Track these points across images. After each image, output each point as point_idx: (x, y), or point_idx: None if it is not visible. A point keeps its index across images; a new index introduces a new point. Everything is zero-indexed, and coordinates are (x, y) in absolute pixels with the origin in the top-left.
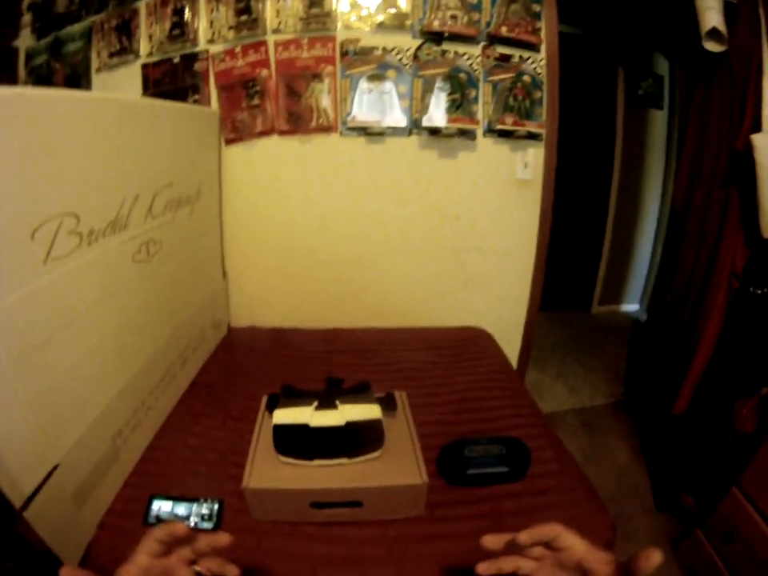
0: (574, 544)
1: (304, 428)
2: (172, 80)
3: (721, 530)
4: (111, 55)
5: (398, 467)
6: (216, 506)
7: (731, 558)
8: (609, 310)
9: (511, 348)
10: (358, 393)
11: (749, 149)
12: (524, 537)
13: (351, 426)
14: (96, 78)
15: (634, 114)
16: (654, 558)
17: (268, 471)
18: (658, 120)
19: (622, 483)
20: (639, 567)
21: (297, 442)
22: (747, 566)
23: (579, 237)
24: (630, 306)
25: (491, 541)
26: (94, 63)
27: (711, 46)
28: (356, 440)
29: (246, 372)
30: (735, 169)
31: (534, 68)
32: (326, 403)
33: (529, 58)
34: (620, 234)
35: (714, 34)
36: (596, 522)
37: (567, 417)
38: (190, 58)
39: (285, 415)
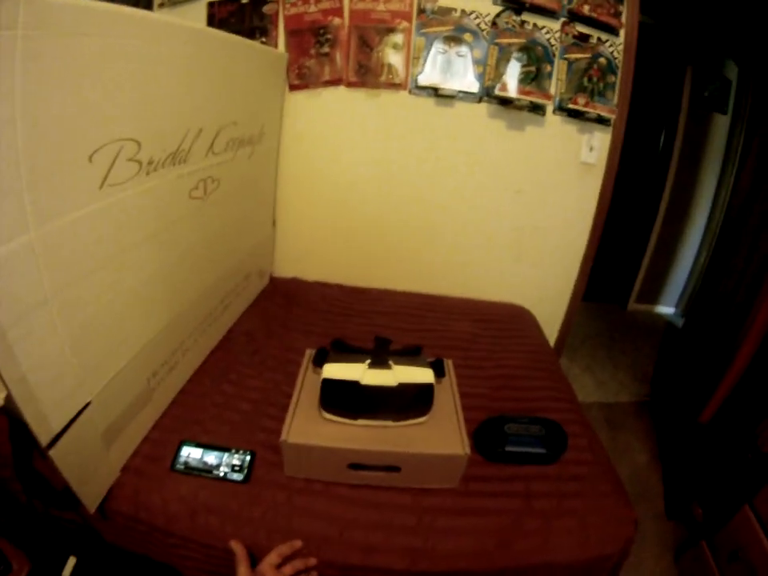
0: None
1: (354, 385)
2: (239, 20)
3: (727, 547)
4: None
5: (442, 436)
6: (248, 458)
7: None
8: (645, 309)
9: (549, 331)
10: (410, 355)
11: None
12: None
13: (403, 388)
14: (158, 12)
15: (697, 115)
16: None
17: (309, 427)
18: (721, 125)
19: (635, 484)
20: None
21: (344, 399)
22: None
23: (626, 231)
24: (666, 308)
25: None
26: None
27: None
28: (405, 403)
29: (286, 324)
30: None
31: (612, 51)
32: (380, 362)
33: (607, 41)
34: (666, 234)
35: None
36: (620, 517)
37: (592, 410)
38: (260, 0)
39: (336, 370)
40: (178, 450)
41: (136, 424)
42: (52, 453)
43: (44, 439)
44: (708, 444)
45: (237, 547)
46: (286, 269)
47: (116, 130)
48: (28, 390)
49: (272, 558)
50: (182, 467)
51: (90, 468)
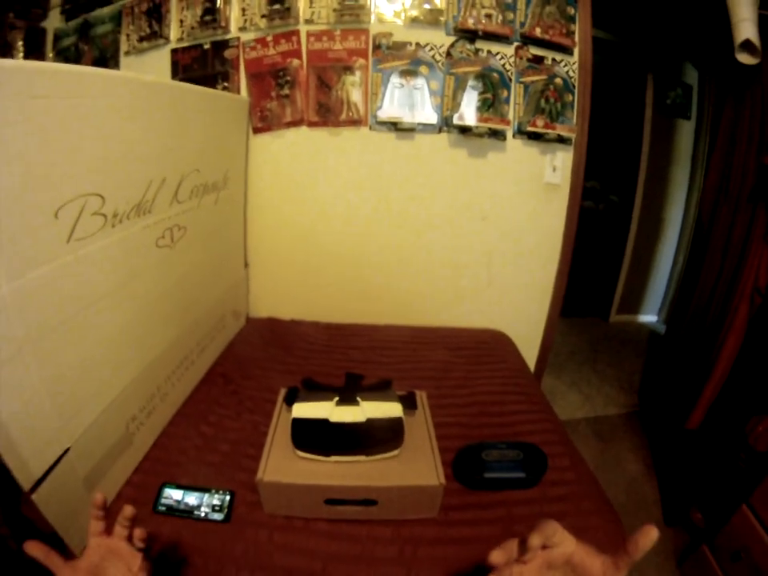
0: (565, 541)
1: (323, 423)
2: (201, 66)
3: (728, 548)
4: (141, 39)
5: (416, 468)
6: (227, 498)
7: None
8: (627, 320)
9: (529, 352)
10: (379, 390)
11: None
12: (536, 541)
13: (371, 424)
14: (124, 62)
15: (661, 123)
16: (651, 534)
17: (283, 465)
18: (685, 130)
19: (631, 495)
20: (638, 544)
21: (315, 437)
22: None
23: (601, 244)
24: (648, 317)
25: (499, 556)
26: (123, 47)
27: (744, 59)
28: (375, 438)
29: (263, 363)
30: (763, 184)
31: (567, 71)
32: (348, 399)
33: (561, 61)
34: (641, 243)
35: (747, 46)
36: (608, 533)
37: (580, 425)
38: (221, 45)
39: (305, 409)
40: (160, 491)
41: (118, 468)
42: (35, 497)
43: (26, 484)
44: (700, 448)
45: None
46: (262, 309)
47: (79, 185)
48: (8, 438)
49: (119, 530)
50: (164, 509)
51: (73, 511)
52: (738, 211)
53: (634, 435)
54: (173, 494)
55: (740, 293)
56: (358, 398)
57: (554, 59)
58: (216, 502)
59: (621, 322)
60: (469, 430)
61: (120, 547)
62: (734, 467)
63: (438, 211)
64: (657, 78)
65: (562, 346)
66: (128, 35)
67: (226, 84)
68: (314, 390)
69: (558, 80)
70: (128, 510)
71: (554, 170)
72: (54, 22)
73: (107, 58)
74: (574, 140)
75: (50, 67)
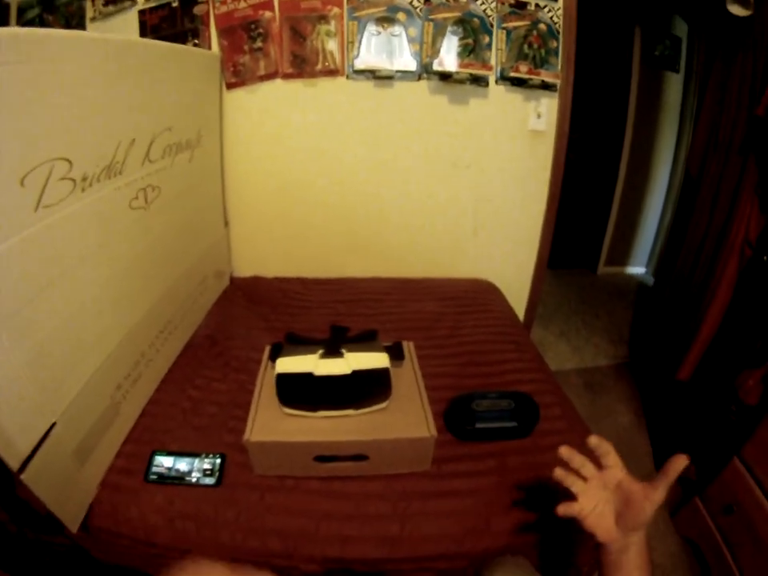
0: (617, 465)
1: (308, 377)
2: (171, 25)
3: (720, 501)
4: (107, 3)
5: (406, 420)
6: (218, 461)
7: (729, 529)
8: (615, 272)
9: (517, 303)
10: (365, 341)
11: None
12: (594, 440)
13: (358, 375)
14: (91, 28)
15: (649, 75)
16: (682, 460)
17: (271, 424)
18: (674, 83)
19: (622, 446)
20: (671, 467)
21: (301, 392)
22: (745, 539)
23: (588, 196)
24: (637, 269)
25: (566, 451)
26: (89, 12)
27: (736, 10)
28: (362, 390)
29: (248, 322)
30: (754, 135)
31: (551, 17)
32: (332, 351)
33: (545, 7)
34: (629, 195)
35: None
36: None
37: (570, 376)
38: (189, 2)
39: (288, 364)
40: (150, 460)
41: (107, 439)
42: (24, 476)
43: (14, 464)
44: (691, 400)
45: None
46: (245, 268)
47: (45, 150)
48: None
49: None
50: (156, 477)
51: (65, 487)
52: (727, 163)
53: (625, 386)
54: (164, 462)
55: (730, 245)
56: (343, 350)
57: (537, 4)
58: (207, 466)
59: (609, 274)
60: (459, 381)
61: None
62: (724, 420)
63: (420, 160)
64: (645, 29)
65: (549, 297)
66: (93, 1)
67: (196, 41)
68: (298, 344)
69: (541, 26)
70: None
71: (539, 116)
72: None
73: (73, 26)
74: (558, 86)
75: (8, 32)
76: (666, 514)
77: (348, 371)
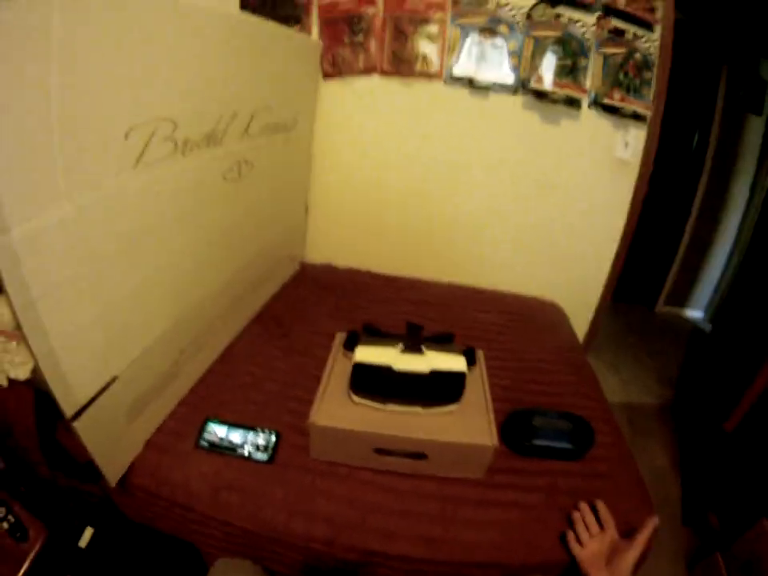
0: (613, 528)
1: (386, 370)
2: (272, 8)
3: (741, 558)
4: None
5: (471, 426)
6: (273, 438)
7: None
8: (672, 312)
9: (577, 328)
10: (443, 342)
11: None
12: (600, 506)
13: (435, 375)
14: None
15: (732, 116)
16: (652, 521)
17: (337, 410)
18: (756, 125)
19: (653, 488)
20: (644, 527)
21: (375, 383)
22: None
23: (656, 233)
24: (695, 313)
25: (584, 507)
26: None
27: None
28: (436, 390)
29: (315, 308)
30: None
31: (648, 47)
32: (413, 347)
33: (642, 37)
34: (698, 237)
35: None
36: (641, 519)
37: (614, 409)
38: None
39: (368, 354)
40: (203, 427)
41: (161, 400)
42: (76, 425)
43: (69, 411)
44: (730, 453)
45: None
46: (317, 255)
47: (153, 109)
48: (55, 362)
49: None
50: (206, 444)
51: (113, 441)
52: None
53: (665, 429)
54: (216, 430)
55: None
56: (423, 348)
57: (635, 34)
58: (261, 441)
59: (666, 314)
60: (516, 395)
61: None
62: (760, 477)
63: (504, 174)
64: (731, 69)
65: (605, 328)
66: None
67: (297, 28)
68: (377, 336)
69: (638, 55)
70: None
71: (626, 145)
72: None
73: None
74: (648, 118)
75: None
76: (683, 564)
77: (427, 370)
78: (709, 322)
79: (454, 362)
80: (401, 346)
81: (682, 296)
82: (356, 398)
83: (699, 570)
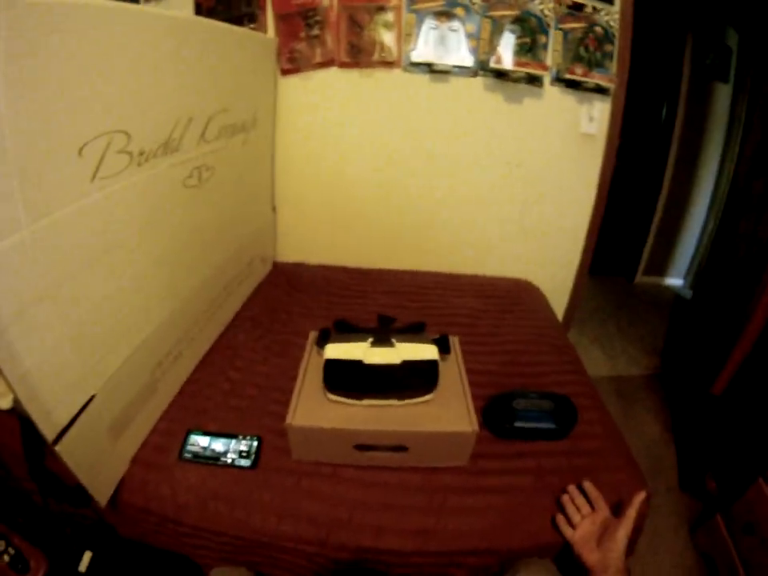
0: (604, 509)
1: (357, 364)
2: (226, 8)
3: (741, 520)
4: None
5: (448, 413)
6: (255, 443)
7: (747, 549)
8: (652, 282)
9: (557, 306)
10: (413, 333)
11: None
12: (588, 485)
13: (406, 366)
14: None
15: (699, 85)
16: (640, 495)
17: (314, 409)
18: (723, 93)
19: (648, 457)
20: (632, 502)
21: (348, 379)
22: (762, 560)
23: (630, 203)
24: (674, 281)
25: (573, 490)
26: None
27: None
28: (409, 381)
29: (290, 308)
30: None
31: (608, 20)
32: (382, 340)
33: (602, 10)
34: (672, 205)
35: None
36: (633, 492)
37: (602, 383)
38: None
39: (338, 350)
40: (186, 439)
41: (143, 415)
42: (58, 448)
43: (50, 434)
44: (721, 415)
45: None
46: (289, 254)
47: (104, 122)
48: (31, 387)
49: None
50: (190, 456)
51: (98, 461)
52: None
53: (655, 397)
54: (199, 441)
55: None
56: (393, 340)
57: (594, 7)
58: (243, 447)
59: (646, 284)
60: (497, 379)
61: None
62: (754, 438)
63: (470, 156)
64: (696, 37)
65: (586, 303)
66: None
67: (252, 26)
68: (347, 331)
69: (598, 29)
70: None
71: (591, 119)
72: None
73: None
74: (612, 90)
75: (73, 1)
76: (686, 529)
77: (398, 361)
78: (690, 289)
79: (425, 351)
80: (371, 339)
81: (660, 265)
82: (331, 396)
83: (701, 534)
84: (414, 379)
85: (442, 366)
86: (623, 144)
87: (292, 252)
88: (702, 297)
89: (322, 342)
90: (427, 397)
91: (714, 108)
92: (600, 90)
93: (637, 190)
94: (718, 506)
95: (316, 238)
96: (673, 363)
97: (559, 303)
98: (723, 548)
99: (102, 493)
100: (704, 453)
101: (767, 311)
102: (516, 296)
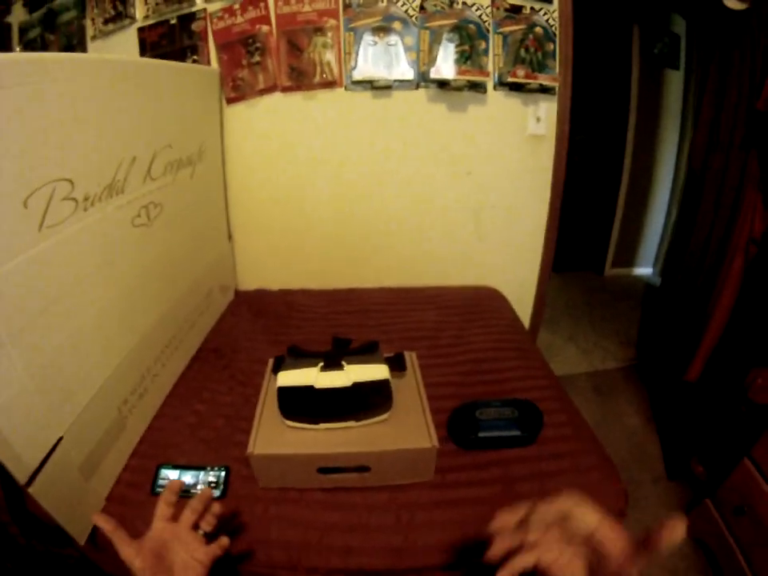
0: (586, 516)
1: (309, 390)
2: (170, 42)
3: (731, 502)
4: (106, 21)
5: (407, 430)
6: (223, 474)
7: (741, 530)
8: (621, 273)
9: (523, 308)
10: (366, 353)
11: None
12: (542, 509)
13: (358, 387)
14: (92, 46)
15: (650, 74)
16: (678, 529)
17: (274, 436)
18: (674, 81)
19: (632, 449)
20: (662, 539)
21: (302, 405)
22: (756, 540)
23: (592, 198)
24: (643, 270)
25: (504, 520)
26: (89, 31)
27: (732, 4)
28: (363, 402)
29: (253, 336)
30: (755, 130)
31: (547, 19)
32: (332, 363)
33: (541, 9)
34: (634, 195)
35: None
36: (608, 490)
37: (579, 380)
38: (188, 18)
39: (289, 377)
40: (156, 473)
41: (114, 453)
42: (32, 490)
43: (22, 477)
44: (701, 401)
45: (103, 523)
46: (251, 281)
47: (46, 172)
48: None
49: (187, 516)
50: (162, 490)
51: (72, 501)
52: (729, 160)
53: (634, 388)
54: (169, 475)
55: (735, 243)
56: (343, 363)
57: (532, 8)
58: (212, 479)
59: (616, 276)
60: (463, 389)
61: (184, 534)
62: (734, 420)
63: (421, 169)
64: (643, 28)
65: (557, 301)
66: (93, 19)
67: (195, 57)
68: (300, 357)
69: (537, 29)
70: (206, 493)
71: (538, 120)
72: (18, 15)
73: (74, 45)
74: (557, 89)
75: (5, 57)
76: (681, 515)
77: (348, 383)
78: (659, 277)
79: (375, 372)
80: (321, 364)
81: (628, 255)
82: (288, 423)
83: (693, 520)
84: (368, 400)
85: (398, 384)
86: (580, 140)
87: (253, 279)
88: (669, 285)
89: (276, 369)
90: (384, 416)
91: (666, 96)
92: (545, 90)
93: (597, 183)
94: (707, 490)
95: (276, 263)
96: (648, 353)
97: (525, 306)
98: (717, 532)
99: (79, 531)
100: (687, 439)
101: (733, 294)
102: (477, 304)
